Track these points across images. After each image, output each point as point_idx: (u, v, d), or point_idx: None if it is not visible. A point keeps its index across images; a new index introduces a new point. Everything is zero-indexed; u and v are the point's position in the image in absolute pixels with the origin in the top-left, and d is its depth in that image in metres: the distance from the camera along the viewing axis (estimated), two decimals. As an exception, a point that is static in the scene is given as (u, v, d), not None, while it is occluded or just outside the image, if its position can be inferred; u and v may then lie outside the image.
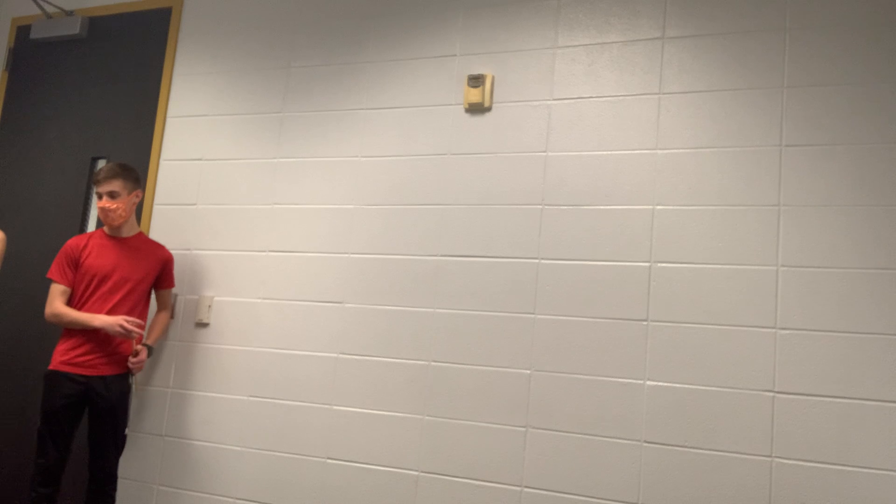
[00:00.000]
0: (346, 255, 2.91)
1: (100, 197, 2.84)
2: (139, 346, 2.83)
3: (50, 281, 2.84)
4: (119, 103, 3.47)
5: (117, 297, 2.82)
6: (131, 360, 2.82)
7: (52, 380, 2.73)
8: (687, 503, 2.32)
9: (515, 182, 2.70)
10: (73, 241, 2.85)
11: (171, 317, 3.11)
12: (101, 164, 3.47)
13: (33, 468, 2.70)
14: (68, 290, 2.81)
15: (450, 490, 2.60)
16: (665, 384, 2.40)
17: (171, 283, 3.04)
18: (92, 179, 2.86)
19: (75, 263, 2.81)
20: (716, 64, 2.50)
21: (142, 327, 2.82)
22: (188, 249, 3.19)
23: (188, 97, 3.33)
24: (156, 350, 3.15)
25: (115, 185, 2.84)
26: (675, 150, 2.51)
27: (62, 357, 2.75)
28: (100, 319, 2.74)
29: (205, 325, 3.10)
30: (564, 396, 2.51)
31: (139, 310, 2.90)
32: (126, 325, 2.74)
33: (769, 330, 2.31)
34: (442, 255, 2.76)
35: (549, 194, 2.65)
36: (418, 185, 2.84)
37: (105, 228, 2.91)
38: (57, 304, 2.78)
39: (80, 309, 2.79)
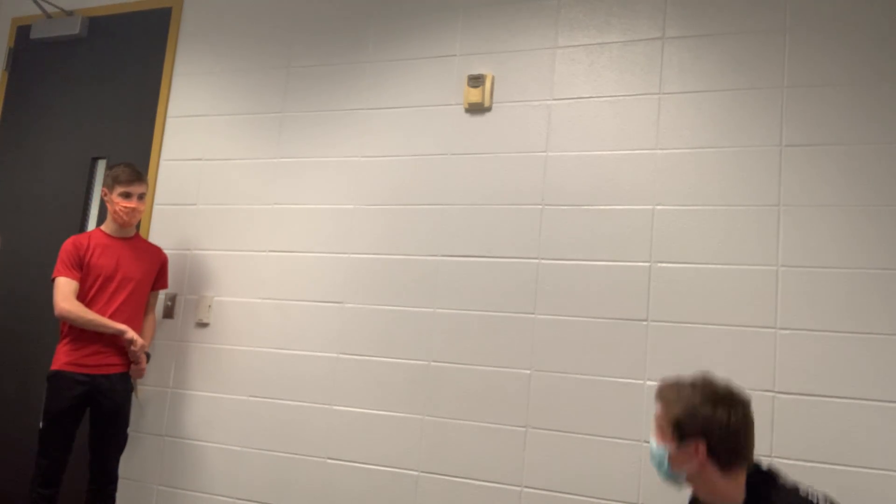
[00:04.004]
0: (346, 255, 2.91)
1: (127, 196, 2.83)
2: (140, 354, 2.84)
3: (51, 281, 2.82)
4: (119, 103, 3.47)
5: (122, 296, 2.82)
6: (134, 367, 2.84)
7: (58, 380, 2.71)
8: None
9: (515, 182, 2.70)
10: (76, 240, 2.82)
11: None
12: (102, 164, 3.47)
13: (34, 469, 2.69)
14: (78, 287, 2.78)
15: (450, 490, 2.60)
16: (665, 384, 2.40)
17: (165, 285, 3.04)
18: (116, 179, 2.83)
19: (81, 262, 2.79)
20: (716, 64, 2.50)
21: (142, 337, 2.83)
22: (188, 249, 3.19)
23: (188, 97, 3.33)
24: (156, 350, 3.15)
25: (144, 187, 2.90)
26: (675, 150, 2.51)
27: (68, 357, 2.73)
28: (117, 327, 2.75)
29: (205, 325, 3.10)
30: (564, 396, 2.51)
31: (141, 310, 2.90)
32: (136, 349, 2.79)
33: (769, 330, 2.31)
34: (442, 255, 2.76)
35: (549, 194, 2.65)
36: (418, 185, 2.84)
37: (105, 228, 2.90)
38: (73, 300, 2.73)
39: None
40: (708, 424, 1.55)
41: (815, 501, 1.49)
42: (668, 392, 1.64)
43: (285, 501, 2.84)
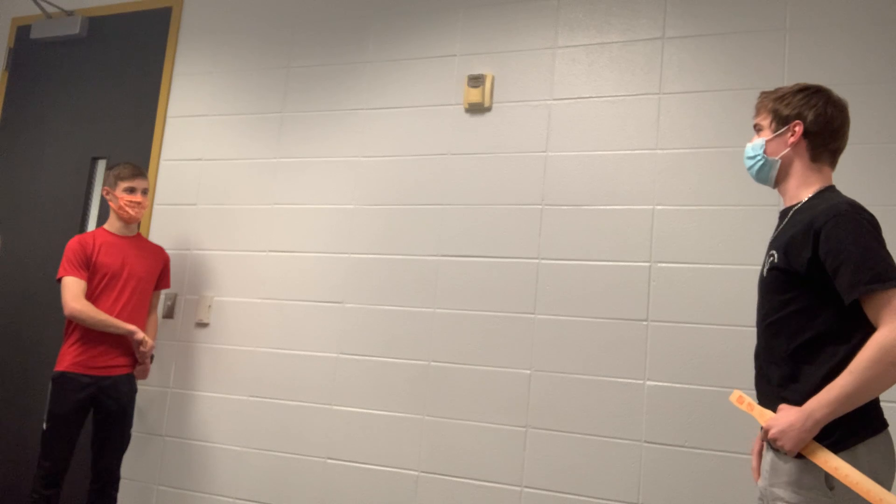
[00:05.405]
0: (347, 255, 2.91)
1: (132, 191, 2.85)
2: (147, 355, 2.84)
3: (56, 281, 2.81)
4: (119, 103, 3.47)
5: (126, 294, 2.81)
6: (138, 367, 2.85)
7: (63, 382, 2.70)
8: (687, 503, 2.32)
9: (515, 182, 2.70)
10: (82, 239, 2.80)
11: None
12: (102, 164, 3.47)
13: (37, 470, 2.68)
14: (86, 286, 2.76)
15: (450, 490, 2.60)
16: (665, 384, 2.40)
17: (168, 284, 3.04)
18: (118, 176, 2.84)
19: (88, 261, 2.77)
20: (716, 64, 2.50)
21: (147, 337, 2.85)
22: (188, 249, 3.19)
23: (188, 97, 3.33)
24: (156, 350, 3.15)
25: (147, 183, 2.91)
26: (675, 150, 2.51)
27: (74, 358, 2.72)
28: (127, 327, 2.75)
29: (205, 325, 3.10)
30: (564, 396, 2.51)
31: (145, 309, 2.90)
32: (145, 350, 2.79)
33: (769, 330, 2.31)
34: (442, 255, 2.76)
35: (549, 194, 2.65)
36: (418, 185, 2.84)
37: (109, 227, 2.89)
38: (83, 299, 2.72)
39: None
40: (803, 108, 1.68)
41: (854, 203, 1.57)
42: (766, 94, 1.76)
43: (285, 501, 2.84)
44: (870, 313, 1.49)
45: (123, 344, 2.80)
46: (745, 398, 1.67)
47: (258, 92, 3.19)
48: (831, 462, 1.46)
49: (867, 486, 1.41)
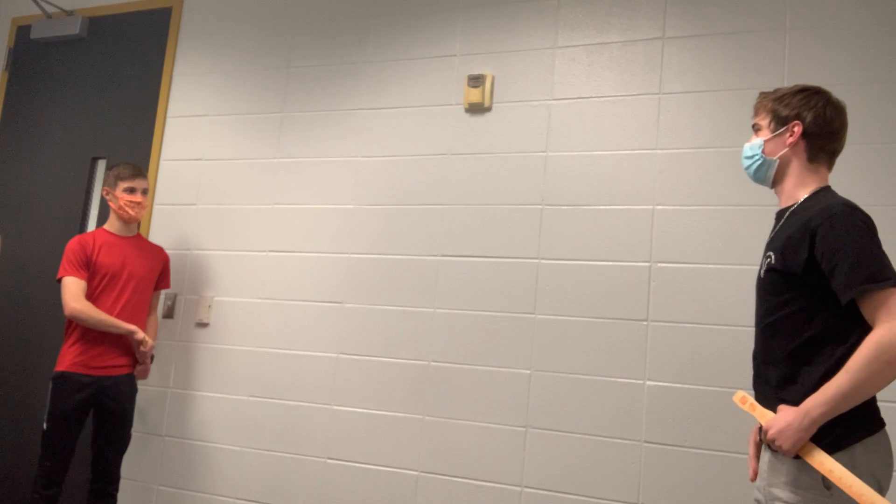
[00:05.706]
0: (347, 256, 2.91)
1: (132, 191, 2.85)
2: (148, 355, 2.84)
3: (56, 281, 2.80)
4: (119, 103, 3.47)
5: (127, 294, 2.81)
6: (139, 367, 2.85)
7: (63, 382, 2.70)
8: (687, 503, 2.32)
9: (515, 182, 2.70)
10: (82, 240, 2.80)
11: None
12: (102, 164, 3.47)
13: (38, 470, 2.68)
14: (86, 286, 2.76)
15: (450, 490, 2.60)
16: (665, 384, 2.40)
17: (167, 284, 3.04)
18: (118, 176, 2.84)
19: (88, 261, 2.78)
20: (716, 64, 2.50)
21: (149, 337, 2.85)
22: (188, 249, 3.19)
23: (188, 97, 3.33)
24: (156, 350, 3.15)
25: (147, 183, 2.92)
26: (675, 150, 2.51)
27: (74, 358, 2.71)
28: (128, 327, 2.75)
29: (205, 325, 3.10)
30: (564, 396, 2.51)
31: (145, 308, 2.90)
32: (145, 350, 2.79)
33: (769, 330, 2.31)
34: (442, 255, 2.76)
35: (549, 194, 2.65)
36: (418, 185, 2.84)
37: (109, 227, 2.89)
38: (83, 300, 2.72)
39: None
40: (803, 108, 1.69)
41: (850, 204, 1.57)
42: (765, 94, 1.77)
43: (285, 501, 2.84)
44: (866, 313, 1.49)
45: (124, 344, 2.80)
46: (748, 398, 1.67)
47: (258, 92, 3.19)
48: (826, 464, 1.46)
49: (860, 489, 1.42)
